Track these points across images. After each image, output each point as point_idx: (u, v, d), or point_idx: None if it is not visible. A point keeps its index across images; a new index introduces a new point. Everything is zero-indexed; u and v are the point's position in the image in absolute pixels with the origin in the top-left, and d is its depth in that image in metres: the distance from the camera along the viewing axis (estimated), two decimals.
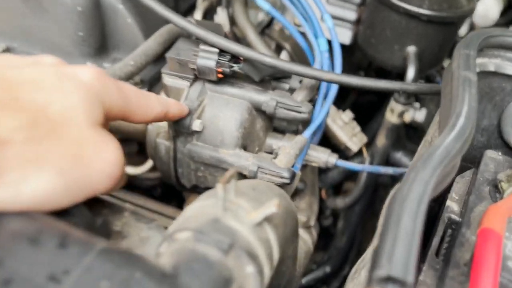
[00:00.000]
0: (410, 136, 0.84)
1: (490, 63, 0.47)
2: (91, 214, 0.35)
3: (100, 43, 0.60)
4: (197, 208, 0.31)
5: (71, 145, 0.30)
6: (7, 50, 0.59)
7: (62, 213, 0.31)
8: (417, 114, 0.70)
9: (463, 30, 1.05)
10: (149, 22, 0.62)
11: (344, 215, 0.81)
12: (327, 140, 0.74)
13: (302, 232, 0.64)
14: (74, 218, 0.32)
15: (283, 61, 0.49)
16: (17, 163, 0.28)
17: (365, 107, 0.93)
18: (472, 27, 1.04)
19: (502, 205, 0.37)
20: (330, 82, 0.51)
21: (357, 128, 0.72)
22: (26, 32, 0.60)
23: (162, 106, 0.43)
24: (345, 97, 0.94)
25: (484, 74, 0.48)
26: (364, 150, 0.72)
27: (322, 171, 0.79)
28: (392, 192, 0.29)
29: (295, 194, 0.66)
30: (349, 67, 0.88)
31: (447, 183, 0.33)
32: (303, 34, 0.59)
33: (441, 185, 0.31)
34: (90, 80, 0.34)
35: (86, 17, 0.57)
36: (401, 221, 0.25)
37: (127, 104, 0.38)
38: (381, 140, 0.68)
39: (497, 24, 1.10)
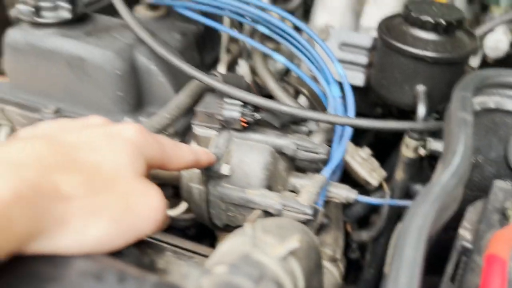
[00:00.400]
0: (433, 166, 0.87)
1: (490, 100, 0.52)
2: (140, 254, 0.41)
3: (137, 100, 0.68)
4: (229, 246, 0.36)
5: (121, 196, 0.36)
6: (57, 111, 0.67)
7: (116, 254, 0.37)
8: (438, 145, 0.73)
9: (475, 62, 1.09)
10: (178, 79, 0.69)
11: (371, 248, 0.84)
12: (348, 176, 0.78)
13: (329, 265, 0.68)
14: (127, 258, 0.38)
15: (298, 109, 0.55)
16: (80, 214, 0.34)
17: (389, 142, 0.97)
18: (484, 59, 1.08)
19: (506, 231, 0.41)
20: (342, 125, 0.56)
21: (376, 164, 0.76)
22: (72, 95, 0.68)
23: (193, 155, 0.49)
24: (365, 133, 0.99)
25: (486, 111, 0.53)
26: (384, 184, 0.76)
27: (346, 206, 0.83)
28: (399, 226, 0.34)
29: (321, 229, 0.70)
30: (366, 105, 0.93)
31: (449, 214, 0.36)
32: (317, 81, 0.65)
33: (443, 216, 0.35)
34: (133, 136, 0.41)
35: (124, 79, 0.65)
36: (404, 251, 0.30)
37: (164, 155, 0.44)
38: (400, 174, 0.71)
39: (509, 54, 1.14)
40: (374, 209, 0.85)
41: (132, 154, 0.39)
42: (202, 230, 0.87)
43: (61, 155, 0.36)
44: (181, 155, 0.47)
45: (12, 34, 0.68)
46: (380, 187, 0.76)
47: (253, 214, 0.35)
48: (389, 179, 0.78)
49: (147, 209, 0.38)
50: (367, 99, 0.92)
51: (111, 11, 0.75)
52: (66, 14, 0.67)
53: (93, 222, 0.34)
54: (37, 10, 0.65)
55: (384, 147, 0.90)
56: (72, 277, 0.32)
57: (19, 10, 0.67)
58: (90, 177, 0.36)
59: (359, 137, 0.99)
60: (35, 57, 0.66)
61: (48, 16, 0.66)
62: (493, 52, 1.03)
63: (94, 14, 0.73)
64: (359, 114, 0.95)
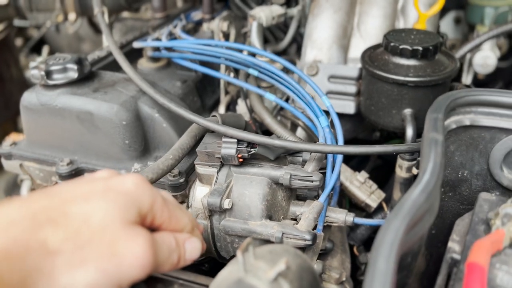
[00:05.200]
0: None
1: (465, 118, 0.55)
2: None
3: (143, 147, 0.73)
4: (224, 274, 0.40)
5: (107, 246, 0.39)
6: (71, 162, 0.73)
7: None
8: None
9: (469, 78, 1.13)
10: (180, 123, 0.74)
11: None
12: (349, 200, 0.81)
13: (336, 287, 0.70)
14: None
15: (288, 142, 0.59)
16: (66, 269, 0.37)
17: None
18: (475, 75, 1.12)
19: (486, 240, 0.43)
20: (331, 153, 0.60)
21: (374, 186, 0.79)
22: (84, 146, 0.74)
23: (191, 221, 0.50)
24: (367, 160, 1.02)
25: (463, 128, 0.56)
26: (384, 205, 0.79)
27: (351, 229, 0.85)
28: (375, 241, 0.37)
29: (327, 254, 0.72)
30: (363, 130, 0.97)
31: (426, 226, 0.40)
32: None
33: (419, 229, 0.38)
34: (129, 187, 0.43)
35: (130, 128, 0.70)
36: (376, 263, 0.33)
37: (161, 208, 0.45)
38: (397, 194, 0.74)
39: (501, 68, 1.18)
40: (378, 231, 0.87)
41: (123, 204, 0.41)
42: (216, 265, 0.90)
43: (54, 210, 0.39)
44: (180, 215, 0.48)
45: (27, 97, 0.74)
46: (380, 208, 0.79)
47: (244, 243, 0.39)
48: (390, 199, 0.81)
49: (132, 256, 0.40)
50: (365, 125, 0.96)
51: (115, 66, 0.82)
52: (73, 75, 0.73)
53: (79, 274, 0.37)
54: (48, 74, 0.72)
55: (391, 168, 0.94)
56: None
57: (32, 74, 0.74)
58: (77, 230, 0.38)
59: (364, 161, 1.03)
60: (49, 115, 0.73)
61: (58, 78, 0.73)
62: (483, 69, 1.07)
63: (100, 71, 0.80)
64: (358, 139, 0.99)
